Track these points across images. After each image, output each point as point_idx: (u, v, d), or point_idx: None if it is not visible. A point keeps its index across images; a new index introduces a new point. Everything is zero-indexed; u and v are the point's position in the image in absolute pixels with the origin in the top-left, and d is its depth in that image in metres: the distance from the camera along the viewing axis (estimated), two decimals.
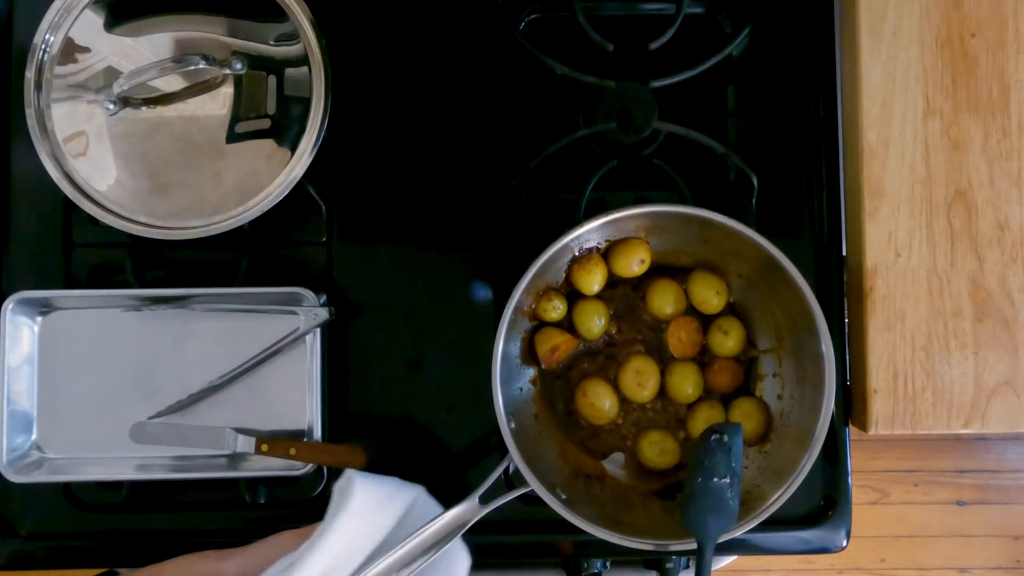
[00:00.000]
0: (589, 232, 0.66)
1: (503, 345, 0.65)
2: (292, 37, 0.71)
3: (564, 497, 0.65)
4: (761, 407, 0.71)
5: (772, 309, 0.70)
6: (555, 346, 0.70)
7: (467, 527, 0.62)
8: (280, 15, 0.71)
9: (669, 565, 0.79)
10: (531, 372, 0.72)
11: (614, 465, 0.72)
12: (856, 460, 0.75)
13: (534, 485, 0.63)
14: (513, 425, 0.65)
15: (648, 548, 0.64)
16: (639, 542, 0.64)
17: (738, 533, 0.64)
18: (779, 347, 0.71)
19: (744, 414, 0.70)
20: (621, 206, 0.65)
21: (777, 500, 0.64)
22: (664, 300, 0.71)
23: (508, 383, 0.68)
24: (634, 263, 0.70)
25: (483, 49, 0.78)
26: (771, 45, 0.78)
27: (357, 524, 0.59)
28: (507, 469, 0.64)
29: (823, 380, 0.65)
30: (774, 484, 0.65)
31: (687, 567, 0.84)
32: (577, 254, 0.70)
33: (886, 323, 0.73)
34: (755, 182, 0.75)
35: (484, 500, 0.63)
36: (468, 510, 0.62)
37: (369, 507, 0.60)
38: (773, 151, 0.77)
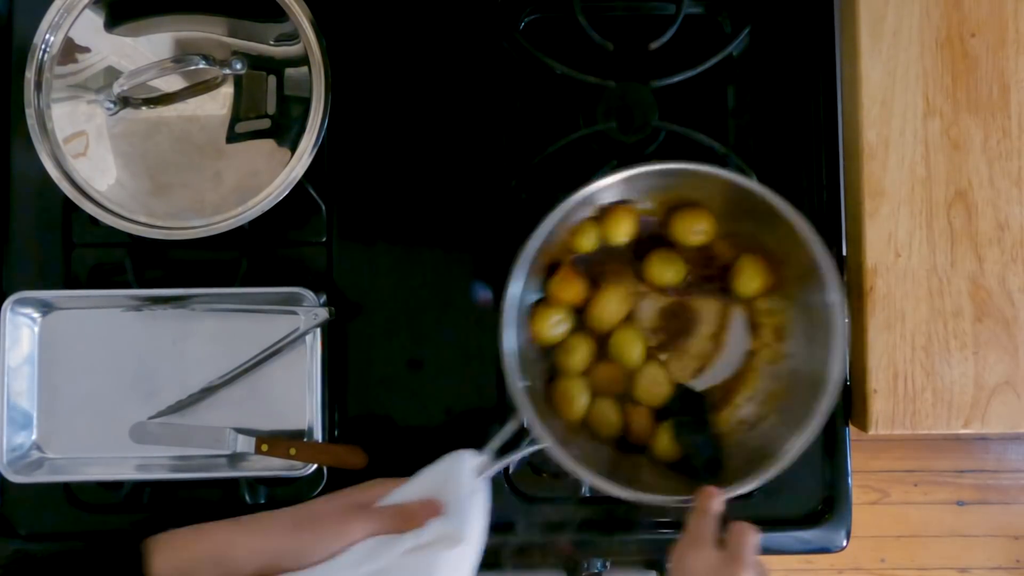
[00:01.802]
0: (607, 188, 0.66)
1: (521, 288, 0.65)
2: (292, 37, 0.71)
3: (575, 453, 0.64)
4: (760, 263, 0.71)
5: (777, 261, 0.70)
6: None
7: (485, 476, 0.63)
8: (280, 15, 0.71)
9: (669, 565, 0.79)
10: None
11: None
12: (856, 460, 0.75)
13: (547, 441, 0.63)
14: (527, 383, 0.65)
15: (654, 502, 0.64)
16: (645, 496, 0.63)
17: (760, 480, 0.63)
18: (786, 300, 0.70)
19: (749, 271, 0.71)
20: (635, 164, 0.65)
21: (796, 449, 0.64)
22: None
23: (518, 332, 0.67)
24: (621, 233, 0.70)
25: (483, 49, 0.78)
26: (771, 45, 0.78)
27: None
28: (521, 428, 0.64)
29: (834, 330, 0.64)
30: (793, 432, 0.65)
31: None
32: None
33: (886, 323, 0.73)
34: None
35: (500, 454, 0.63)
36: (481, 464, 0.63)
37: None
38: (773, 151, 0.77)
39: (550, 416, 0.68)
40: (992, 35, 0.75)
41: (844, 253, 0.77)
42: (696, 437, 0.68)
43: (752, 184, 0.65)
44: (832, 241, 0.76)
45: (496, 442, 0.63)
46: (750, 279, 0.70)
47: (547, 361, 0.71)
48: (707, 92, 0.78)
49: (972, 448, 1.67)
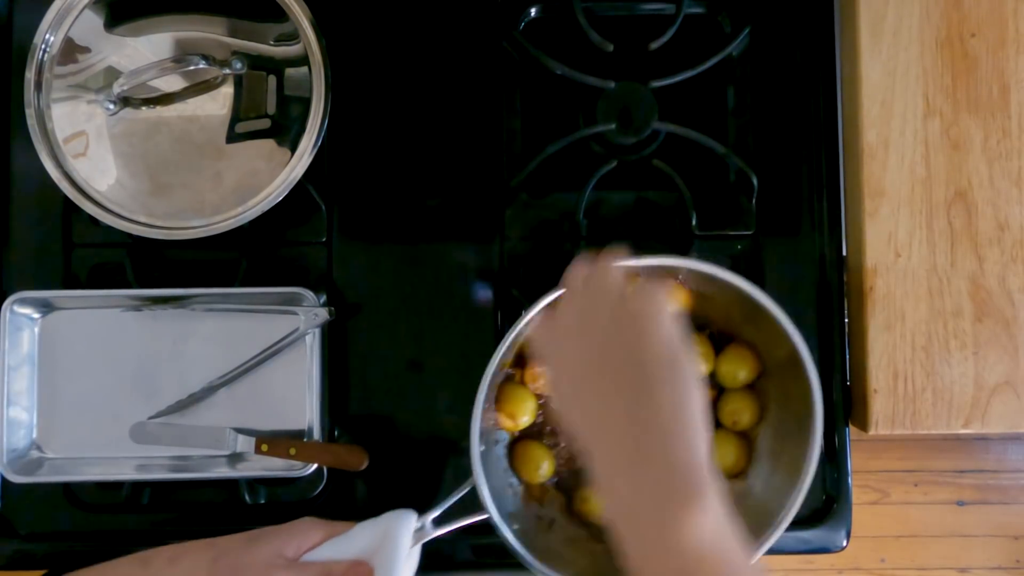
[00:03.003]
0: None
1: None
2: (292, 37, 0.71)
3: (516, 528, 0.63)
4: (738, 440, 0.70)
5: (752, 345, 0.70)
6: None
7: (419, 543, 0.62)
8: (280, 15, 0.71)
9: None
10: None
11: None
12: (856, 460, 0.75)
13: (491, 512, 0.62)
14: (483, 448, 0.64)
15: None
16: None
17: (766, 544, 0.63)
18: (765, 381, 0.71)
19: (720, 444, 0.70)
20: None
21: (775, 530, 0.64)
22: None
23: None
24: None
25: (483, 49, 0.78)
26: (771, 45, 0.78)
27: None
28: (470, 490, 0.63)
29: (811, 414, 0.64)
30: (776, 506, 0.65)
31: None
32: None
33: (886, 323, 0.73)
34: (755, 182, 0.75)
35: (438, 523, 0.62)
36: (419, 530, 0.61)
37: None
38: (773, 151, 0.77)
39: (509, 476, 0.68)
40: (992, 35, 0.75)
41: (844, 253, 0.77)
42: None
43: (729, 276, 0.64)
44: (832, 241, 0.77)
45: (440, 508, 0.62)
46: (738, 367, 0.70)
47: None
48: (707, 92, 0.78)
49: (972, 448, 1.67)
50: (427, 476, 0.75)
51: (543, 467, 0.69)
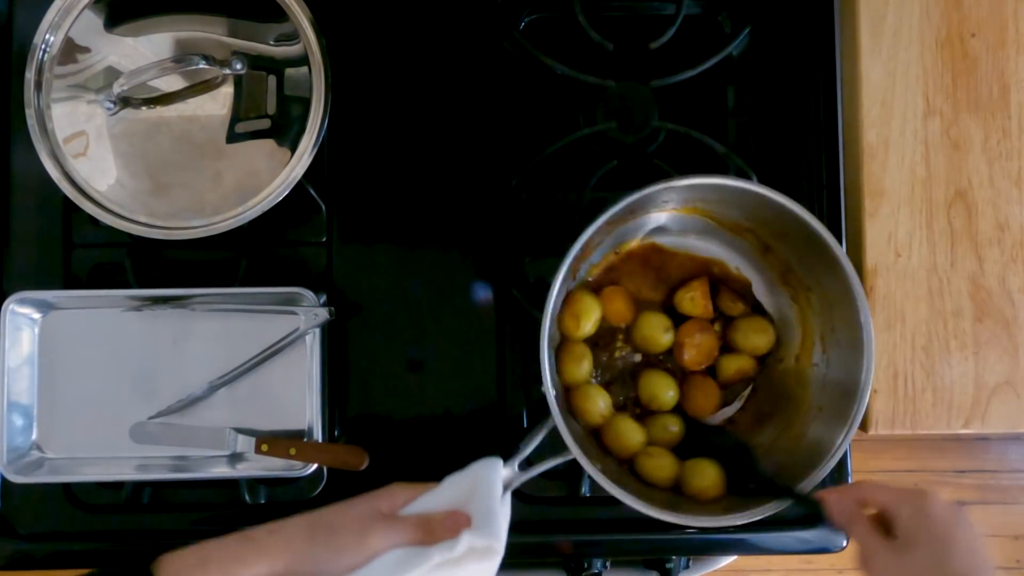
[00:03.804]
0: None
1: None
2: (292, 37, 0.71)
3: (599, 467, 0.63)
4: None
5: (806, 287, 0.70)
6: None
7: (510, 489, 0.61)
8: (280, 15, 0.71)
9: (669, 565, 0.79)
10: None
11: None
12: (856, 460, 0.75)
13: (574, 451, 0.61)
14: (555, 392, 0.63)
15: (677, 522, 0.62)
16: (671, 515, 0.62)
17: (808, 483, 0.63)
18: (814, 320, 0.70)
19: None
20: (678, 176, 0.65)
21: (841, 445, 0.64)
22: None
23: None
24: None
25: (483, 49, 0.78)
26: (771, 45, 0.78)
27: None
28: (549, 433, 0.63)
29: (861, 344, 0.63)
30: (835, 428, 0.65)
31: (687, 567, 0.84)
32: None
33: (886, 323, 0.73)
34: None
35: (523, 468, 0.62)
36: (507, 476, 0.60)
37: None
38: (773, 151, 0.77)
39: (573, 423, 0.67)
40: (992, 35, 0.75)
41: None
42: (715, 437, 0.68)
43: (790, 203, 0.64)
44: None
45: (523, 453, 0.62)
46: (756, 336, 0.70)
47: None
48: (707, 92, 0.78)
49: (972, 448, 1.67)
50: (428, 476, 0.75)
51: (600, 404, 0.69)
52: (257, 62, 0.71)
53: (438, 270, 0.76)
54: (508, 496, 0.60)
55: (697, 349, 0.70)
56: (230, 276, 0.75)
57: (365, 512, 0.56)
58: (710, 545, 0.76)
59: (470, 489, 0.58)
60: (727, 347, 0.72)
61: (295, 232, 0.77)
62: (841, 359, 0.66)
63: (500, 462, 0.60)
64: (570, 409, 0.69)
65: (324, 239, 0.76)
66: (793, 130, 0.77)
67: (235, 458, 0.73)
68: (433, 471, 0.75)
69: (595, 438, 0.70)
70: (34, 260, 0.76)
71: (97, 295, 0.74)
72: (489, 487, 0.58)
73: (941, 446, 1.67)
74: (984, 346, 0.73)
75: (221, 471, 0.73)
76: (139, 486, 0.75)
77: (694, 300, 0.70)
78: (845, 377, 0.65)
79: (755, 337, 0.71)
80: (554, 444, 0.62)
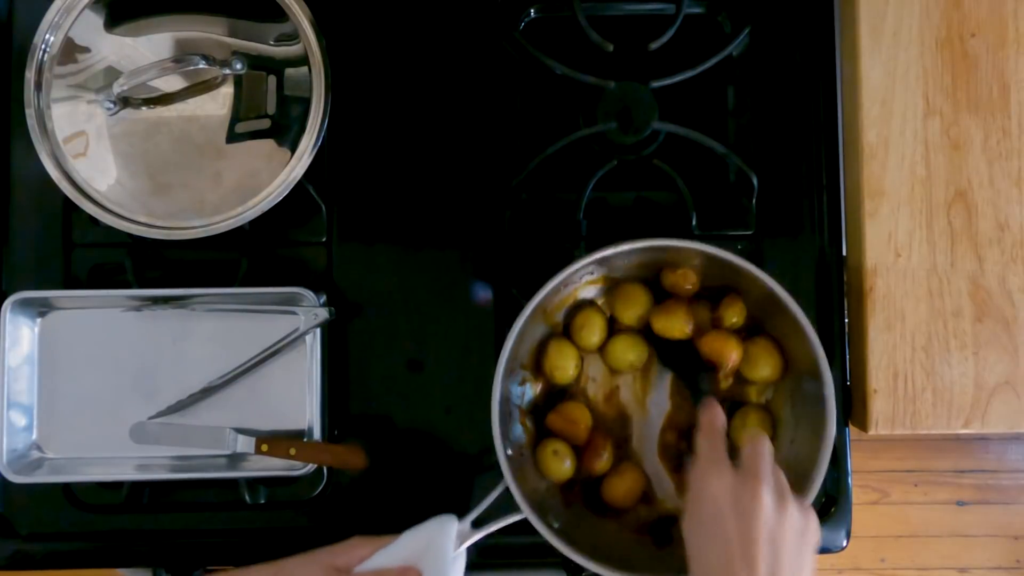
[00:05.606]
0: (587, 266, 0.66)
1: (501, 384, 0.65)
2: (292, 37, 0.71)
3: (556, 526, 0.65)
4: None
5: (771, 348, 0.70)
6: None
7: (463, 546, 0.64)
8: (280, 15, 0.71)
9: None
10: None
11: None
12: (856, 460, 0.75)
13: (526, 512, 0.63)
14: (510, 452, 0.66)
15: None
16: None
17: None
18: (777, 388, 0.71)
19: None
20: (626, 239, 0.66)
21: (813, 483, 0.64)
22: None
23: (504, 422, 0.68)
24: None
25: (483, 49, 0.78)
26: (771, 45, 0.78)
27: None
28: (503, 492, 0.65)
29: (823, 422, 0.64)
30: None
31: None
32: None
33: (886, 323, 0.73)
34: (755, 182, 0.75)
35: (476, 525, 0.64)
36: (461, 533, 0.64)
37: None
38: (773, 151, 0.77)
39: (535, 479, 0.69)
40: (992, 35, 0.75)
41: (844, 253, 0.77)
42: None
43: (751, 268, 0.65)
44: (832, 241, 0.77)
45: (478, 511, 0.64)
46: (763, 365, 0.70)
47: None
48: (707, 92, 0.78)
49: (972, 448, 1.67)
50: (427, 476, 0.75)
51: (566, 463, 0.69)
52: (257, 62, 0.71)
53: (438, 270, 0.76)
54: (462, 552, 0.63)
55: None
56: (230, 276, 0.75)
57: (324, 568, 0.61)
58: None
59: (424, 546, 0.62)
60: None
61: (295, 232, 0.77)
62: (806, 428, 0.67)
63: (455, 520, 0.63)
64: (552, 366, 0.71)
65: (324, 239, 0.76)
66: (793, 130, 0.77)
67: (235, 458, 0.73)
68: (433, 471, 0.75)
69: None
70: (34, 260, 0.76)
71: (97, 295, 0.74)
72: (441, 545, 0.62)
73: (941, 446, 1.67)
74: (984, 346, 0.73)
75: (221, 471, 0.73)
76: (139, 486, 0.75)
77: (686, 275, 0.70)
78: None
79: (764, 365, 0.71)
80: (509, 503, 0.64)
